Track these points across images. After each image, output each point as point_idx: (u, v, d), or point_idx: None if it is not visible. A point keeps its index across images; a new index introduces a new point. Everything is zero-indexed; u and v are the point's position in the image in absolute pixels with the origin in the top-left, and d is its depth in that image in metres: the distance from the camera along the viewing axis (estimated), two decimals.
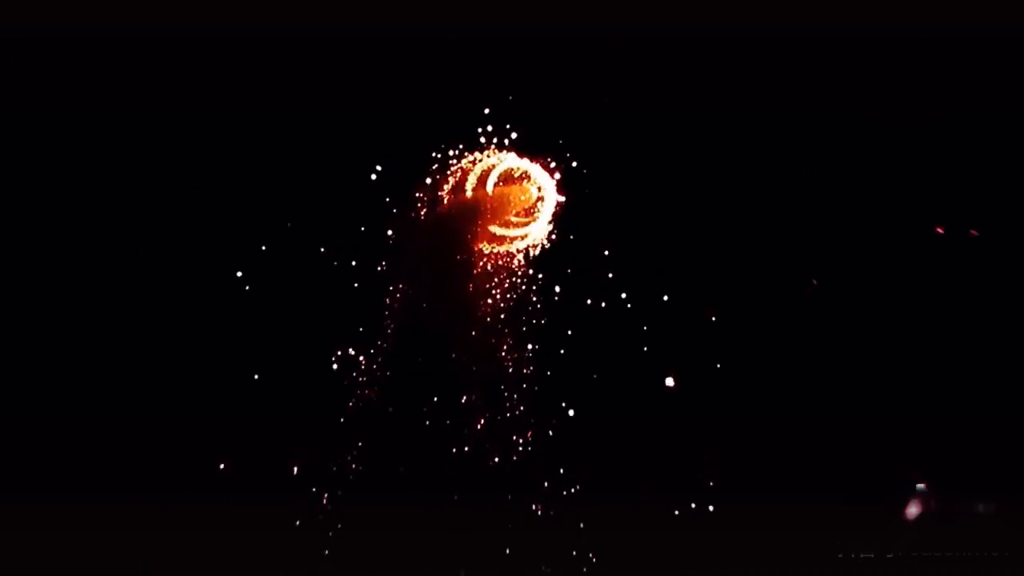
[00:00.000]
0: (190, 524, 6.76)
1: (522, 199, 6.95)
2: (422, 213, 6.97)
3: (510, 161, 6.90)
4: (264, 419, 6.97)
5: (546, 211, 6.97)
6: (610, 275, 7.06)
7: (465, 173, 6.96)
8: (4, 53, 6.81)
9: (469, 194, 6.94)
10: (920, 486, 7.32)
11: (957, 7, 6.81)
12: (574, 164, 7.08)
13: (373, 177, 7.02)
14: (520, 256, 7.04)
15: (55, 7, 6.73)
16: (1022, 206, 7.35)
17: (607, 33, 6.92)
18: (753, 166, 7.29)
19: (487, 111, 6.96)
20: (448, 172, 6.98)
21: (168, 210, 7.13)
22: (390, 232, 7.01)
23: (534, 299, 7.07)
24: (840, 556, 7.14)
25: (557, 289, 7.12)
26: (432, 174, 6.99)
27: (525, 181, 6.98)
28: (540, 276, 7.07)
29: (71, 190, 7.08)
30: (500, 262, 7.02)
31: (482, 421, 6.95)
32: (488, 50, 6.84)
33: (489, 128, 6.97)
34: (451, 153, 6.99)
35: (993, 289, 7.36)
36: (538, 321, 7.09)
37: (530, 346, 7.07)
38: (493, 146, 6.97)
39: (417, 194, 6.99)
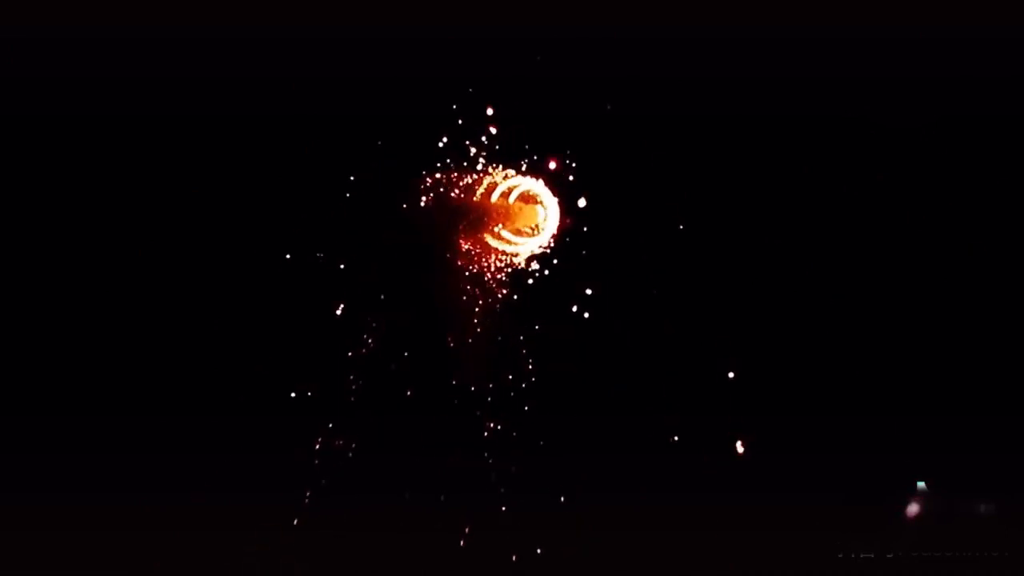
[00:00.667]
0: (190, 524, 6.76)
1: (532, 217, 7.09)
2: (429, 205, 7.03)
3: (527, 182, 7.04)
4: (262, 419, 6.98)
5: (547, 232, 7.10)
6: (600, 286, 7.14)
7: (486, 185, 7.05)
8: (4, 53, 6.81)
9: (487, 200, 7.04)
10: (920, 486, 7.32)
11: (957, 7, 6.81)
12: (573, 166, 7.11)
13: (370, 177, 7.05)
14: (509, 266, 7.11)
15: (55, 7, 6.73)
16: (1022, 206, 7.35)
17: (607, 33, 6.92)
18: (753, 166, 7.29)
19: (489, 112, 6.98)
20: (464, 179, 7.05)
21: (165, 211, 7.13)
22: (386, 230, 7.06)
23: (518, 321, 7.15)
24: (840, 556, 7.14)
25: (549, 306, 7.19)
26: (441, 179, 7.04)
27: (536, 203, 7.10)
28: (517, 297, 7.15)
29: (71, 190, 7.09)
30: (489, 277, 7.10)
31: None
32: (496, 51, 6.87)
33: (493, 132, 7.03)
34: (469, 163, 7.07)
35: (993, 289, 7.36)
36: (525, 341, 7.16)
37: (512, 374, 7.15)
38: (503, 165, 7.06)
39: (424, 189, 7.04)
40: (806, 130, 7.22)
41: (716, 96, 7.06)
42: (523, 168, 7.11)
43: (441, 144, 7.01)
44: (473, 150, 7.04)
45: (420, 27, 6.84)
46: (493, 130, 6.99)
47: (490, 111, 6.94)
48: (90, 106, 6.92)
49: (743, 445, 7.12)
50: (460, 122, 6.98)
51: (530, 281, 7.20)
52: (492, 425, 7.11)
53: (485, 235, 7.07)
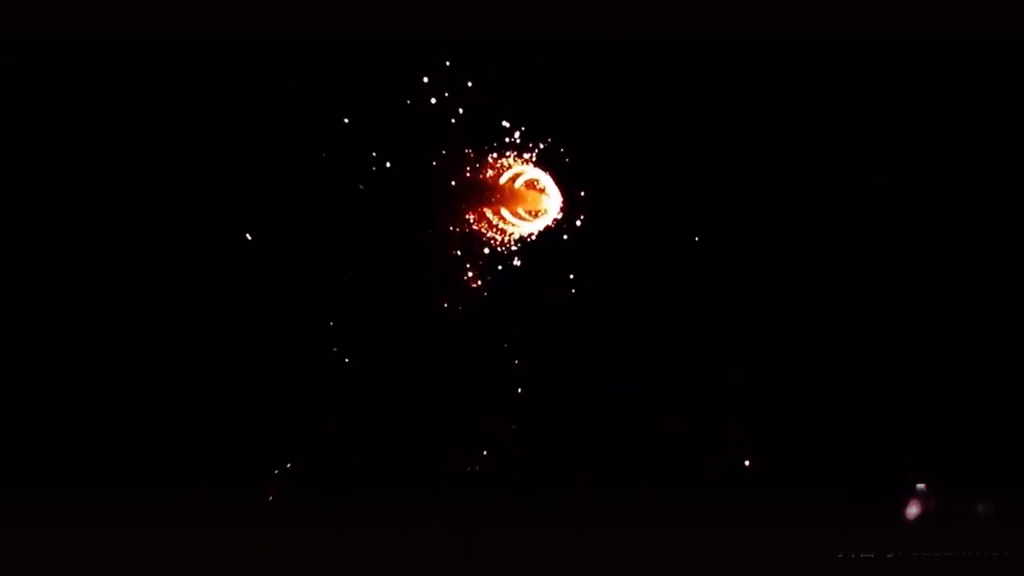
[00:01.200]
0: (190, 524, 6.76)
1: (534, 203, 7.15)
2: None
3: (533, 172, 7.11)
4: (263, 419, 6.98)
5: (544, 219, 7.16)
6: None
7: (495, 172, 7.11)
8: (4, 53, 6.81)
9: (491, 182, 7.11)
10: (920, 486, 7.32)
11: (957, 7, 6.81)
12: (567, 160, 7.14)
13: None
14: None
15: (55, 7, 6.72)
16: (1022, 206, 7.36)
17: (607, 33, 6.93)
18: (753, 166, 7.29)
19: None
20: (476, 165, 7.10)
21: (163, 210, 7.13)
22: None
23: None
24: (840, 556, 7.14)
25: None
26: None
27: (541, 192, 7.16)
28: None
29: (69, 190, 7.09)
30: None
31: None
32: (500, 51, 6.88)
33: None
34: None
35: (993, 289, 7.36)
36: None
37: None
38: (516, 154, 7.11)
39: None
40: (806, 130, 7.22)
41: (716, 96, 7.06)
42: (521, 155, 7.16)
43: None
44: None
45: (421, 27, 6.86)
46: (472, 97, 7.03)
47: (470, 83, 6.98)
48: (89, 106, 6.92)
49: (744, 445, 7.12)
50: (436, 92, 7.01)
51: (521, 269, 7.21)
52: (490, 424, 7.11)
53: (486, 210, 7.13)
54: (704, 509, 6.91)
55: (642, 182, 7.24)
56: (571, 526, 6.97)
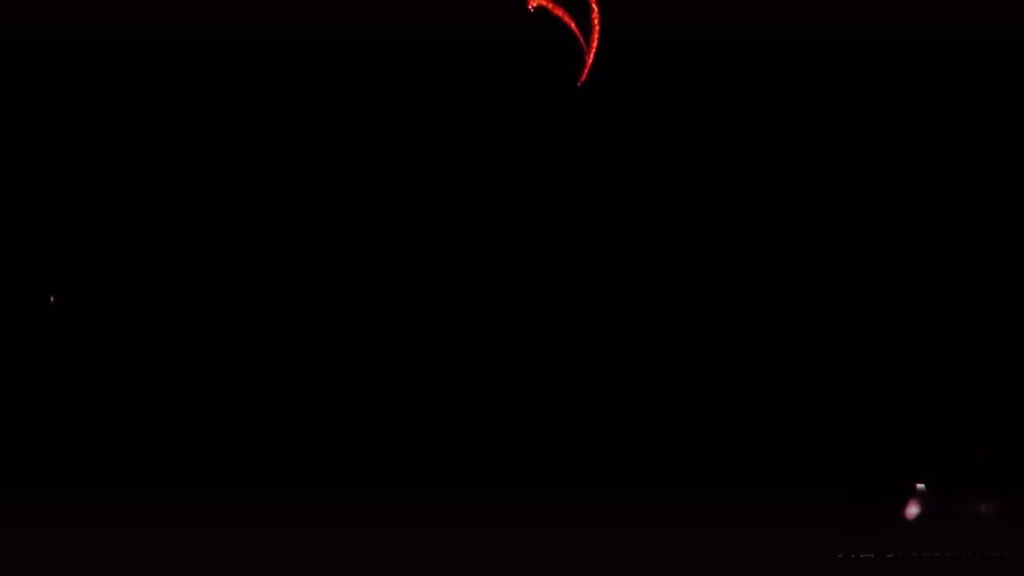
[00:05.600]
0: (190, 524, 6.77)
1: None
2: None
3: None
4: (263, 419, 6.99)
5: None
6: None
7: None
8: (4, 53, 6.82)
9: None
10: (920, 486, 7.33)
11: (957, 7, 6.82)
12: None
13: None
14: None
15: (55, 7, 6.74)
16: (1022, 206, 7.36)
17: (608, 34, 6.93)
18: (753, 166, 7.29)
19: None
20: None
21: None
22: None
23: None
24: (840, 556, 7.15)
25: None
26: None
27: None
28: None
29: (70, 190, 7.10)
30: None
31: None
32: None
33: None
34: None
35: (993, 289, 7.36)
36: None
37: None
38: None
39: None
40: (806, 130, 7.23)
41: (716, 96, 7.06)
42: None
43: None
44: None
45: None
46: None
47: None
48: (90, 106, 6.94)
49: (742, 443, 7.15)
50: None
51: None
52: (492, 425, 7.11)
53: None
54: (704, 509, 6.91)
55: (642, 181, 7.25)
56: (571, 526, 6.97)
